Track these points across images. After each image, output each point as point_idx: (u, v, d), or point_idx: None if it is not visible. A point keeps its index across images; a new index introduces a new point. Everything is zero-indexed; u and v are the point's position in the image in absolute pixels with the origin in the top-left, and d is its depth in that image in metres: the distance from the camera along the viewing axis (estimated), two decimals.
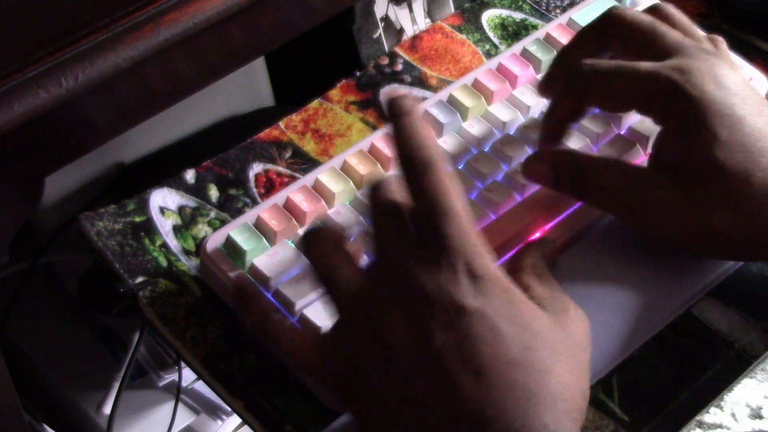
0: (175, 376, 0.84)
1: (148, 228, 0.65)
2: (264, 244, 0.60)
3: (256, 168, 0.68)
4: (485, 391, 0.48)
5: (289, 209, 0.62)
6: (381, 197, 0.54)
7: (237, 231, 0.61)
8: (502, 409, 0.48)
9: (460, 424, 0.48)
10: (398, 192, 0.54)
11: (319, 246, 0.54)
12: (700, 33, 0.62)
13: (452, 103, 0.67)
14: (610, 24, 0.62)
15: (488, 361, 0.49)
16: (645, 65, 0.58)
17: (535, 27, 0.77)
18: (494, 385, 0.48)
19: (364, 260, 0.55)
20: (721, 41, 0.63)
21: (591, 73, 0.59)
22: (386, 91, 0.56)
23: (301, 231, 0.61)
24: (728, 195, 0.56)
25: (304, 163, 0.69)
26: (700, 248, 0.60)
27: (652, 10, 0.63)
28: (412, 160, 0.52)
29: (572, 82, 0.60)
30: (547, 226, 0.62)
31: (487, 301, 0.50)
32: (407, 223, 0.53)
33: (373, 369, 0.50)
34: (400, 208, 0.53)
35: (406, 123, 0.53)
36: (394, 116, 0.54)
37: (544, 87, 0.65)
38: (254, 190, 0.67)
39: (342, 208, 0.62)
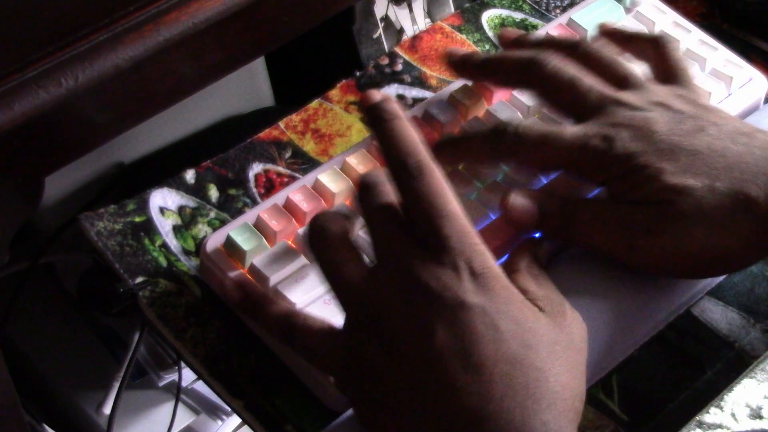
0: (175, 376, 0.84)
1: (148, 228, 0.65)
2: (264, 244, 0.60)
3: (256, 168, 0.68)
4: (485, 388, 0.48)
5: (289, 209, 0.62)
6: (376, 198, 0.54)
7: (237, 231, 0.60)
8: (501, 407, 0.48)
9: (460, 422, 0.48)
10: (392, 192, 0.54)
11: (324, 241, 0.54)
12: (626, 70, 0.61)
13: (452, 103, 0.67)
14: (531, 76, 0.61)
15: (488, 359, 0.49)
16: (569, 134, 0.58)
17: (535, 27, 0.77)
18: (494, 382, 0.48)
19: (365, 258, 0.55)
20: (665, 44, 0.63)
21: (517, 141, 0.59)
22: (367, 95, 0.55)
23: (301, 231, 0.61)
24: (700, 214, 0.56)
25: (304, 163, 0.69)
26: (692, 272, 0.59)
27: (575, 49, 0.62)
28: (404, 165, 0.52)
29: (497, 145, 0.60)
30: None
31: (487, 298, 0.50)
32: (405, 222, 0.53)
33: (375, 365, 0.50)
34: (396, 209, 0.53)
35: (393, 128, 0.53)
36: (379, 122, 0.54)
37: (456, 64, 0.65)
38: (254, 190, 0.67)
39: (342, 208, 0.62)
